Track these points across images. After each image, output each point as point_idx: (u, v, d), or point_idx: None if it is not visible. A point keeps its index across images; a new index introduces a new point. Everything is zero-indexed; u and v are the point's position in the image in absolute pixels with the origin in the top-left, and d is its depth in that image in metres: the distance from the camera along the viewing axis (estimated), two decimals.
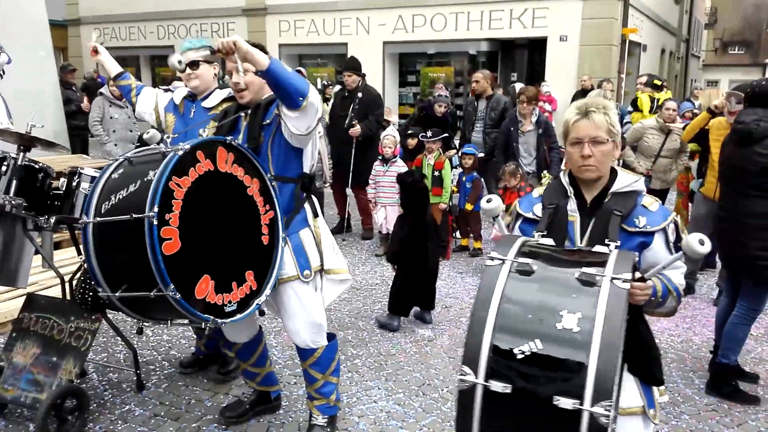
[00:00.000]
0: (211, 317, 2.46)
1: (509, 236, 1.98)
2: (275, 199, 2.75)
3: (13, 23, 6.43)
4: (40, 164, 2.96)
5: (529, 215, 2.21)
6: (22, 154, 2.85)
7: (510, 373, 1.59)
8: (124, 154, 2.60)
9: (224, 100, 3.34)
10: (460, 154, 7.04)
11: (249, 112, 2.85)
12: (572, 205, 2.14)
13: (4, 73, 5.26)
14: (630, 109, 9.50)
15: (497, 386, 1.58)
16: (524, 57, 15.65)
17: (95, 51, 3.54)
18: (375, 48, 15.37)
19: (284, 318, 2.95)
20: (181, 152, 2.37)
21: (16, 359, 3.28)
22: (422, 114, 8.09)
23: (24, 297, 3.51)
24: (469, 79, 13.34)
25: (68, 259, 4.95)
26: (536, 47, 14.48)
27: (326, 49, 16.57)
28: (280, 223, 2.79)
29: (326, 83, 13.04)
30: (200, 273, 2.46)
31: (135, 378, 3.63)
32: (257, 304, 2.69)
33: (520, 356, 1.58)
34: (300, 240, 2.88)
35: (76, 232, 3.22)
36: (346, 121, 6.98)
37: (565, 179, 2.20)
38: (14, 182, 2.80)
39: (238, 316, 2.62)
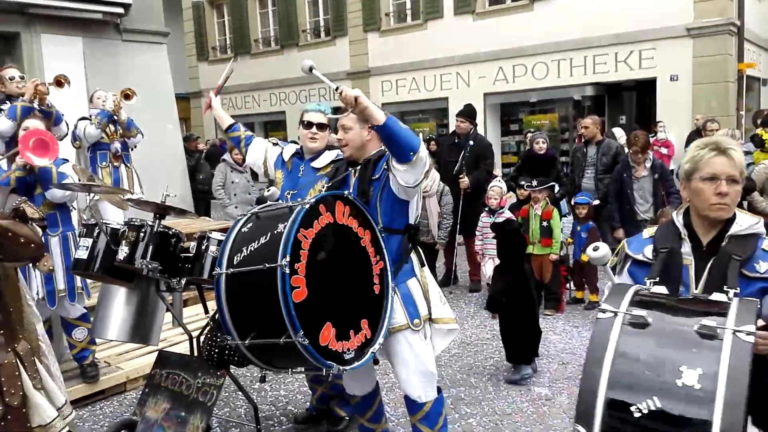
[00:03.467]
0: (334, 364, 2.52)
1: (620, 286, 1.90)
2: (384, 250, 2.84)
3: (145, 98, 7.12)
4: (173, 230, 3.21)
5: (639, 257, 2.11)
6: (157, 221, 3.11)
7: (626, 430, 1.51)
8: (251, 210, 2.78)
9: (332, 162, 3.48)
10: (573, 203, 6.85)
11: (359, 167, 2.97)
12: (686, 248, 2.04)
13: (135, 147, 5.82)
14: (752, 148, 8.85)
15: None
16: (632, 99, 15.14)
17: (209, 106, 3.79)
18: (476, 100, 15.43)
19: (397, 367, 2.98)
20: (307, 206, 2.51)
21: (149, 414, 3.49)
22: (526, 158, 7.90)
23: (155, 353, 3.75)
24: (575, 125, 13.12)
25: (195, 316, 5.26)
26: (645, 88, 13.99)
27: (427, 104, 16.91)
28: (389, 272, 2.85)
29: (428, 137, 13.26)
30: (324, 320, 2.54)
31: None
32: (372, 352, 2.74)
33: (637, 414, 1.51)
34: (408, 289, 2.93)
35: (204, 292, 3.43)
36: (456, 167, 7.02)
37: (678, 220, 2.09)
38: (150, 247, 3.05)
39: (356, 363, 2.67)
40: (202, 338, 3.55)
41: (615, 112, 15.15)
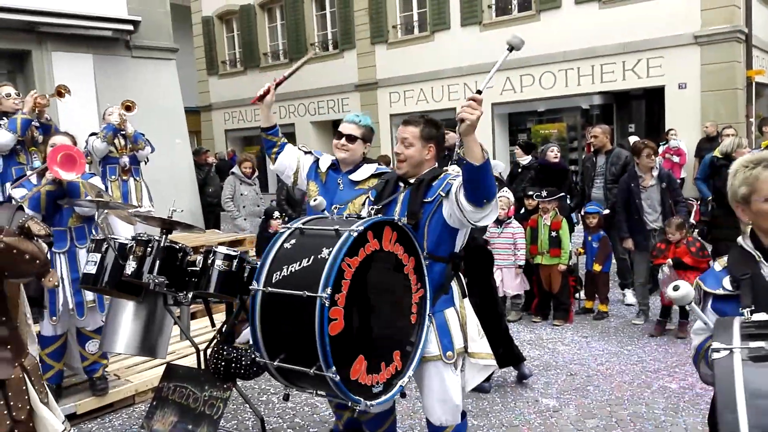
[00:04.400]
0: (362, 400, 2.41)
1: (722, 320, 1.79)
2: (426, 277, 2.72)
3: (154, 113, 7.22)
4: (180, 245, 3.25)
5: (719, 292, 1.98)
6: (164, 236, 3.15)
7: None
8: (295, 223, 2.63)
9: (372, 176, 3.41)
10: (583, 213, 6.83)
11: (411, 185, 2.87)
12: (766, 270, 1.94)
13: (147, 161, 5.88)
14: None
15: None
16: (641, 107, 15.12)
17: (262, 97, 3.55)
18: (483, 110, 15.53)
19: (422, 394, 2.89)
20: (355, 234, 2.36)
21: (156, 427, 3.52)
22: (539, 167, 7.88)
23: (163, 366, 3.78)
24: (584, 134, 13.10)
25: (203, 328, 5.28)
26: (653, 97, 13.97)
27: (435, 115, 16.86)
28: (428, 301, 2.74)
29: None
30: (357, 353, 2.41)
31: None
32: (400, 385, 2.62)
33: None
34: (445, 319, 2.82)
35: (210, 305, 3.46)
36: None
37: (748, 244, 2.01)
38: (157, 262, 3.09)
39: (383, 397, 2.54)
40: (209, 351, 3.59)
41: (623, 121, 15.14)
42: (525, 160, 7.87)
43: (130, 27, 7.31)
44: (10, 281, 2.29)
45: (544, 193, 6.32)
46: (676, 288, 1.86)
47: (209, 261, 3.22)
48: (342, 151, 3.41)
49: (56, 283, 2.68)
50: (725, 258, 2.06)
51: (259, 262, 2.56)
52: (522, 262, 6.28)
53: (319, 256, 2.35)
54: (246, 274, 3.32)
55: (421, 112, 16.90)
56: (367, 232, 2.44)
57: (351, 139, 3.40)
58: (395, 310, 2.63)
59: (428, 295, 2.74)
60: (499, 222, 6.52)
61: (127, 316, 3.61)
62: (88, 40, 7.05)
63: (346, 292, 2.32)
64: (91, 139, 5.49)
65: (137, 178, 5.69)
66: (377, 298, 2.54)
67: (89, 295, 4.05)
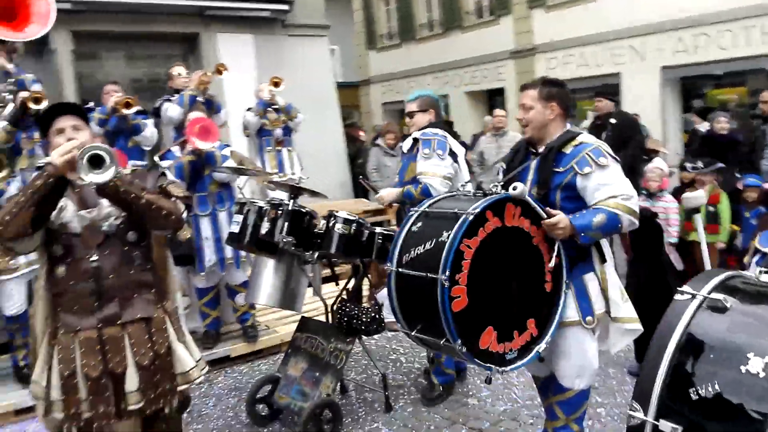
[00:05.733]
0: (494, 367, 2.52)
1: (710, 271, 1.80)
2: (560, 246, 2.69)
3: (308, 88, 7.71)
4: (306, 209, 3.54)
5: (766, 250, 1.95)
6: (292, 201, 3.45)
7: (682, 415, 1.47)
8: (422, 204, 2.75)
9: (414, 140, 3.87)
10: (742, 186, 6.19)
11: (540, 153, 2.85)
12: None
13: (298, 130, 6.34)
14: None
15: (666, 426, 1.46)
16: None
17: None
18: (652, 75, 14.38)
19: (556, 356, 2.84)
20: (471, 217, 2.43)
21: (290, 372, 3.90)
22: (704, 138, 7.24)
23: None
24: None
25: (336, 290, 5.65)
26: None
27: (597, 81, 16.02)
28: (564, 269, 2.74)
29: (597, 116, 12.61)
30: (485, 325, 2.51)
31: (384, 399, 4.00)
32: (537, 351, 2.67)
33: (695, 398, 1.46)
34: (584, 284, 2.79)
35: (334, 265, 3.73)
36: None
37: None
38: (286, 224, 3.40)
39: (518, 363, 2.63)
40: (334, 308, 3.87)
41: None
42: (704, 126, 7.23)
43: (286, 7, 7.81)
44: (156, 235, 2.68)
45: (699, 164, 5.81)
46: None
47: (330, 224, 3.47)
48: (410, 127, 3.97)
49: (187, 236, 3.06)
50: None
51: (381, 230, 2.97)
52: (675, 239, 5.86)
53: (439, 240, 2.47)
54: (365, 238, 3.54)
55: (583, 78, 16.08)
56: (485, 212, 2.48)
57: (410, 115, 3.99)
58: (526, 280, 2.65)
59: (563, 262, 2.73)
60: (650, 195, 6.12)
61: (269, 271, 3.98)
62: (249, 21, 7.68)
63: (467, 272, 2.42)
64: (246, 114, 6.05)
65: (290, 148, 6.17)
66: (504, 271, 2.59)
67: (228, 253, 4.55)
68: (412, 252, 2.56)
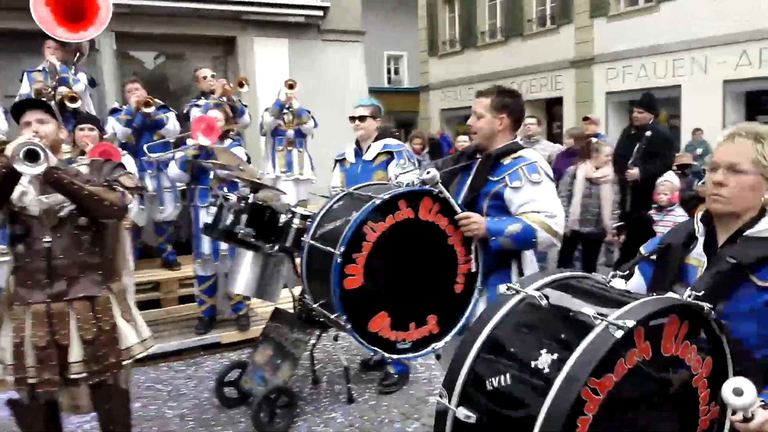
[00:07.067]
0: (379, 350, 2.65)
1: (548, 270, 1.87)
2: (477, 250, 2.78)
3: (340, 93, 7.96)
4: (266, 203, 3.74)
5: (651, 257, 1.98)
6: (251, 195, 3.68)
7: (478, 404, 1.55)
8: (351, 188, 2.94)
9: (380, 153, 4.04)
10: None
11: (480, 160, 2.90)
12: (698, 248, 1.87)
13: (312, 136, 6.59)
14: None
15: (461, 414, 1.54)
16: None
17: None
18: (713, 87, 13.82)
19: None
20: (378, 201, 2.54)
21: (257, 358, 4.12)
22: None
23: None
24: None
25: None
26: None
27: (657, 93, 15.49)
28: (479, 275, 2.81)
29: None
30: (378, 309, 2.63)
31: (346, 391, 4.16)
32: (434, 348, 2.75)
33: (489, 388, 1.53)
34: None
35: (294, 259, 3.92)
36: (629, 161, 6.55)
37: (697, 217, 1.92)
38: (245, 216, 3.62)
39: (410, 354, 2.74)
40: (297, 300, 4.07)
41: None
42: None
43: (321, 13, 8.09)
44: (105, 222, 2.94)
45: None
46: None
47: (288, 219, 3.66)
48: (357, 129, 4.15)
49: (128, 226, 3.31)
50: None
51: None
52: None
53: (347, 218, 2.62)
54: None
55: (642, 89, 15.58)
56: (398, 201, 2.60)
57: (362, 118, 4.12)
58: (432, 278, 2.74)
59: (479, 269, 2.80)
60: (660, 208, 5.97)
61: (246, 262, 4.21)
62: (284, 26, 8.01)
63: (367, 253, 2.55)
64: (264, 114, 6.36)
65: (301, 150, 6.42)
66: (410, 263, 2.68)
67: (223, 244, 4.82)
68: (325, 227, 2.72)
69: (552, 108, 18.64)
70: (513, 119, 2.91)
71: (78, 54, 5.70)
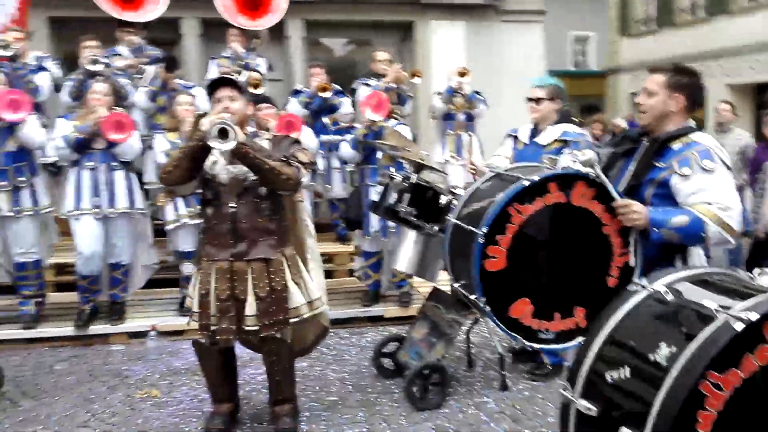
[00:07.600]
0: (519, 337, 2.62)
1: (683, 267, 1.79)
2: (637, 242, 2.62)
3: (516, 75, 7.79)
4: (429, 183, 3.80)
5: None
6: (414, 175, 3.76)
7: (599, 396, 1.56)
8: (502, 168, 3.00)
9: (557, 140, 3.67)
10: None
11: (647, 144, 2.69)
12: None
13: (481, 117, 6.56)
14: None
15: (583, 405, 1.57)
16: None
17: None
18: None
19: None
20: (526, 183, 2.51)
21: (413, 334, 4.24)
22: None
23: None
24: None
25: None
26: None
27: None
28: (637, 269, 2.64)
29: None
30: (519, 294, 2.60)
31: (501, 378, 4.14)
32: (580, 342, 2.58)
33: (609, 381, 1.55)
34: None
35: None
36: None
37: None
38: (408, 196, 3.73)
39: (553, 346, 2.70)
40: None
41: None
42: None
43: None
44: (282, 193, 3.22)
45: None
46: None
47: (450, 200, 3.69)
48: (533, 112, 3.75)
49: (301, 199, 3.55)
50: None
51: None
52: None
53: (493, 199, 2.60)
54: None
55: None
56: (548, 183, 2.52)
57: (538, 101, 3.73)
58: (583, 268, 2.63)
59: (637, 262, 2.62)
60: None
61: (409, 241, 4.35)
62: (462, 8, 8.00)
63: (512, 236, 2.52)
64: (434, 98, 6.46)
65: (471, 133, 6.41)
66: (559, 250, 2.61)
67: (392, 223, 4.99)
68: (471, 207, 2.74)
69: (763, 93, 16.49)
70: (689, 101, 2.64)
71: (255, 39, 6.29)
